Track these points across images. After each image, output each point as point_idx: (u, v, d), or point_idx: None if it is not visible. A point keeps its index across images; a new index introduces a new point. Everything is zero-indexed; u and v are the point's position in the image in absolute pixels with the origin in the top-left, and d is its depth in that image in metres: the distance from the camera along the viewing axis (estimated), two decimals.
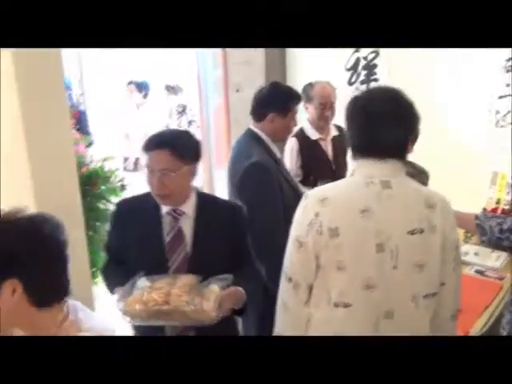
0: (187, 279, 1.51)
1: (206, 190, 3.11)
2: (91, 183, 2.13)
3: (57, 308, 1.13)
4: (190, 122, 5.36)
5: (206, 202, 1.66)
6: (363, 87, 3.05)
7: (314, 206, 1.29)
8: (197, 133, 3.46)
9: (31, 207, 1.51)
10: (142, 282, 1.50)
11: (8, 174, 1.58)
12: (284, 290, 1.38)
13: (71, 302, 1.20)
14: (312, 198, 1.31)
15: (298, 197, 2.03)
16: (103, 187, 2.14)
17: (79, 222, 1.78)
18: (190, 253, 1.61)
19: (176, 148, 1.53)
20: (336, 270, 1.28)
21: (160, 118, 5.31)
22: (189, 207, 1.62)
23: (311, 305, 1.35)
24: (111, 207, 2.10)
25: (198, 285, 1.50)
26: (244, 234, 1.68)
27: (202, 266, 1.56)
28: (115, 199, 2.09)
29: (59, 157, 1.67)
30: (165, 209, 1.62)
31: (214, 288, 1.47)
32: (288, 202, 2.00)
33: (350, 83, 3.17)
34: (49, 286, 1.11)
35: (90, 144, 2.52)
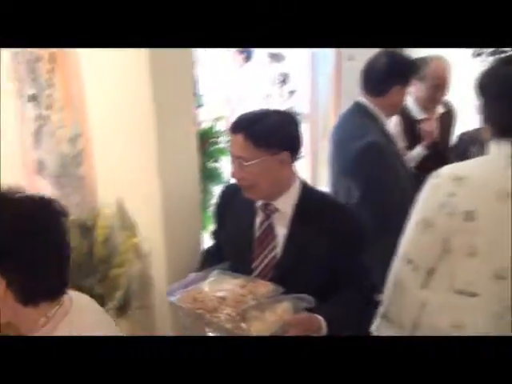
0: (263, 287, 1.29)
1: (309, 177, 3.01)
2: (202, 142, 2.20)
3: (45, 307, 1.02)
4: (291, 92, 5.34)
5: (311, 199, 1.41)
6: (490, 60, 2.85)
7: (448, 186, 1.20)
8: (300, 106, 3.44)
9: (154, 167, 1.61)
10: (214, 275, 1.36)
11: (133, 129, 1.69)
12: (400, 271, 1.32)
13: (80, 301, 1.10)
14: (445, 178, 1.22)
15: (410, 178, 1.96)
16: (213, 147, 2.21)
17: (195, 182, 1.82)
18: (278, 257, 1.39)
19: (251, 133, 1.32)
20: (466, 255, 1.20)
21: (261, 84, 5.34)
22: (285, 204, 1.40)
23: (429, 289, 1.29)
24: (219, 167, 2.18)
25: (272, 297, 1.26)
26: (353, 248, 1.37)
27: (289, 276, 1.34)
28: (225, 159, 2.16)
29: (181, 116, 1.74)
30: (259, 202, 1.44)
31: (286, 308, 1.23)
32: (403, 185, 1.87)
33: (476, 55, 2.99)
34: (36, 284, 0.99)
35: (200, 105, 2.60)
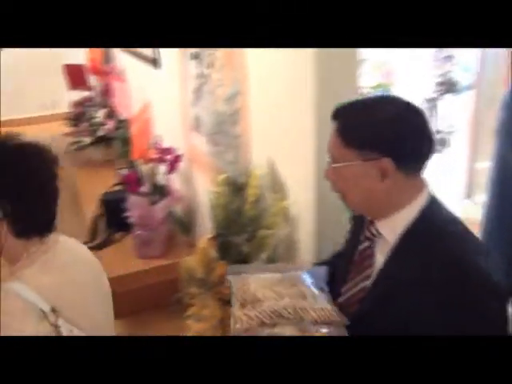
0: (322, 311, 1.06)
1: None
2: None
3: (33, 243, 1.13)
4: (447, 58, 4.83)
5: (428, 229, 1.00)
6: None
7: None
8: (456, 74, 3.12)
9: (311, 131, 1.57)
10: (288, 275, 1.20)
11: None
12: None
13: (65, 246, 1.20)
14: None
15: None
16: None
17: None
18: (367, 290, 1.09)
19: (343, 126, 1.03)
20: None
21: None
22: (389, 228, 1.05)
23: None
24: None
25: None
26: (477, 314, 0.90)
27: (370, 317, 1.04)
28: None
29: (342, 79, 1.66)
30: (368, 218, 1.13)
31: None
32: None
33: None
34: (30, 218, 1.10)
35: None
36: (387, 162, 0.97)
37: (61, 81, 4.59)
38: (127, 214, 2.55)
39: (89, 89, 4.49)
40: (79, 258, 1.28)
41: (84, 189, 3.62)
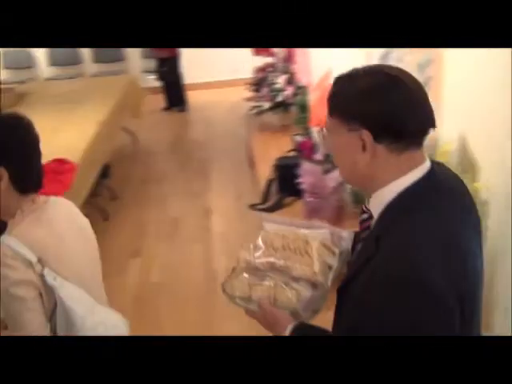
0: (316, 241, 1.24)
1: None
2: None
3: (27, 200, 1.34)
4: None
5: (398, 209, 0.96)
6: None
7: None
8: None
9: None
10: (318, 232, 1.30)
11: None
12: None
13: (56, 207, 1.41)
14: None
15: None
16: None
17: None
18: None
19: (330, 95, 1.00)
20: None
21: None
22: (374, 203, 1.02)
23: None
24: None
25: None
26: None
27: (347, 286, 1.02)
28: None
29: None
30: None
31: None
32: None
33: None
34: (29, 175, 1.33)
35: None
36: (365, 135, 0.94)
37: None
38: (299, 180, 2.57)
39: (271, 55, 4.59)
40: (67, 216, 1.46)
41: (260, 152, 3.75)
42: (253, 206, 2.86)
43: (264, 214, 1.59)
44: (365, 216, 1.09)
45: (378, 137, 0.94)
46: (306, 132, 2.96)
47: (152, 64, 6.55)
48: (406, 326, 0.87)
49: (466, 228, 1.00)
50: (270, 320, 1.18)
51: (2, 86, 5.07)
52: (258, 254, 1.27)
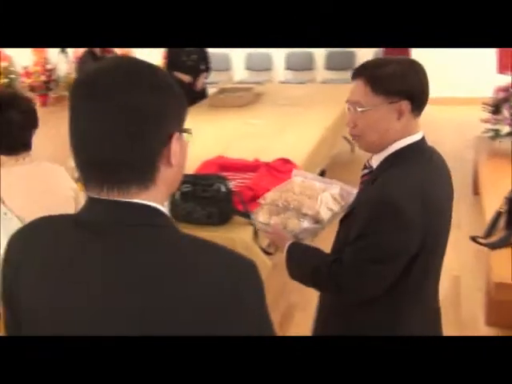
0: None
1: None
2: None
3: (10, 159, 1.83)
4: None
5: (392, 164, 1.31)
6: None
7: None
8: None
9: None
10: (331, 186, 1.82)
11: None
12: None
13: (42, 167, 1.93)
14: None
15: None
16: None
17: None
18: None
19: (371, 78, 1.30)
20: None
21: None
22: (377, 160, 1.36)
23: None
24: None
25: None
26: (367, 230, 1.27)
27: (340, 231, 1.45)
28: None
29: None
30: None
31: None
32: None
33: None
34: (11, 140, 1.84)
35: None
36: (406, 104, 1.27)
37: (491, 63, 4.39)
38: None
39: None
40: (39, 176, 1.90)
41: (489, 180, 3.41)
42: (474, 238, 2.60)
43: (295, 170, 2.08)
44: (366, 171, 1.42)
45: (413, 105, 1.28)
46: None
47: None
48: (378, 233, 1.23)
49: (438, 187, 1.32)
50: (278, 237, 1.59)
51: (243, 85, 5.57)
52: (280, 194, 1.81)
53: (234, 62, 7.92)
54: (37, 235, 0.86)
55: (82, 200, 2.04)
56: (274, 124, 4.00)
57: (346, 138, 5.38)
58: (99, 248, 0.77)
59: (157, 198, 0.81)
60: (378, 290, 1.28)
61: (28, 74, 8.94)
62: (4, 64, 9.30)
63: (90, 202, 0.81)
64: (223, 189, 2.37)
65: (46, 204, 1.89)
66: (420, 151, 1.32)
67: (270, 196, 1.83)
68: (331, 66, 7.45)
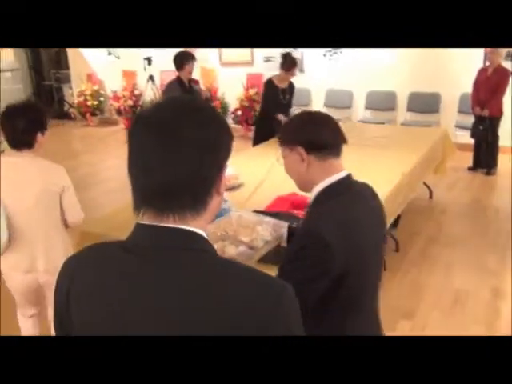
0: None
1: None
2: None
3: (9, 153, 2.43)
4: None
5: (316, 202, 1.53)
6: None
7: None
8: None
9: None
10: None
11: None
12: None
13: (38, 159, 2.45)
14: None
15: None
16: None
17: None
18: None
19: (281, 134, 1.60)
20: None
21: None
22: (311, 198, 1.56)
23: None
24: None
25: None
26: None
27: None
28: None
29: None
30: None
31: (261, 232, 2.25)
32: None
33: None
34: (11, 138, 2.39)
35: None
36: (300, 149, 1.52)
37: None
38: None
39: None
40: (36, 167, 2.42)
41: None
42: None
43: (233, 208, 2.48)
44: (307, 209, 1.61)
45: (308, 150, 1.50)
46: None
47: (468, 119, 6.22)
48: (302, 259, 1.42)
49: (363, 216, 1.49)
50: None
51: None
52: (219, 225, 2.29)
53: (314, 98, 7.93)
54: (87, 262, 0.91)
55: (70, 199, 2.51)
56: (349, 164, 3.88)
57: (425, 184, 5.18)
58: (150, 272, 0.82)
59: (203, 225, 0.88)
60: (304, 305, 1.33)
61: (117, 98, 9.44)
62: (95, 87, 9.89)
63: (142, 228, 0.86)
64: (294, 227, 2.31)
65: (27, 194, 2.39)
66: (344, 189, 1.52)
67: (210, 227, 2.06)
68: (414, 107, 7.25)
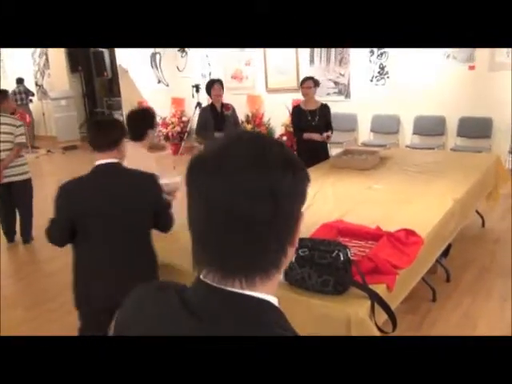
0: None
1: None
2: None
3: None
4: None
5: None
6: None
7: None
8: None
9: None
10: None
11: None
12: None
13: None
14: None
15: None
16: None
17: None
18: None
19: None
20: None
21: None
22: None
23: None
24: None
25: None
26: None
27: None
28: None
29: None
30: None
31: None
32: None
33: None
34: None
35: None
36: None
37: None
38: None
39: None
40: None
41: None
42: None
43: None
44: None
45: None
46: None
47: None
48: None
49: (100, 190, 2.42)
50: None
51: (368, 148, 5.45)
52: None
53: (360, 124, 7.87)
54: (142, 309, 0.81)
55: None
56: (398, 191, 3.82)
57: (477, 212, 5.00)
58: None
59: (273, 287, 0.73)
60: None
61: (165, 125, 9.67)
62: None
63: (206, 289, 0.73)
64: (342, 257, 2.26)
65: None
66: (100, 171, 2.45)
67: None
68: (464, 132, 7.06)
